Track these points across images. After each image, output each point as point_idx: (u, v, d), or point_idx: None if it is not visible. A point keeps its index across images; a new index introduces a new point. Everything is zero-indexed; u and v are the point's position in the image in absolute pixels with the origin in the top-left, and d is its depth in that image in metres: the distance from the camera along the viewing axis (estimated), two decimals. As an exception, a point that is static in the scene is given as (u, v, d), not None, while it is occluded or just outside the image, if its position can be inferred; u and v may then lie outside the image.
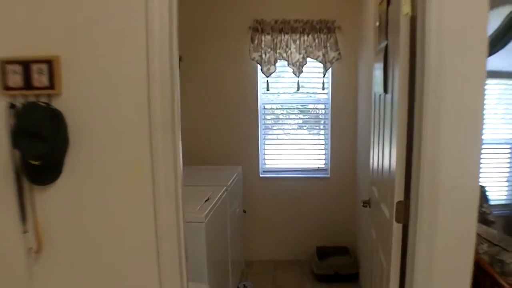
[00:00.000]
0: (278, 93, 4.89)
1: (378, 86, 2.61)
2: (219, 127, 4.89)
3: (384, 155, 2.39)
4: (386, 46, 2.33)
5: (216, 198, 3.40)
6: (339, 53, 4.60)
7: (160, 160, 1.89)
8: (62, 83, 1.91)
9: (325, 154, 4.90)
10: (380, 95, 2.56)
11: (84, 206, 1.98)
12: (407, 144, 1.97)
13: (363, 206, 2.93)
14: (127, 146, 1.92)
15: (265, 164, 4.97)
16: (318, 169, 4.93)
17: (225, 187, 3.71)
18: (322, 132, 4.88)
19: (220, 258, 3.55)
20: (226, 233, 3.74)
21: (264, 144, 4.94)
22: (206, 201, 3.28)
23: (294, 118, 4.92)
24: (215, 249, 3.30)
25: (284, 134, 4.93)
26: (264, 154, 4.96)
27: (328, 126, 4.83)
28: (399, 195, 1.99)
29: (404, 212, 1.98)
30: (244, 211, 4.76)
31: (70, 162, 1.96)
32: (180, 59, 4.65)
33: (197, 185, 3.79)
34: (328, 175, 4.87)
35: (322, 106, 4.85)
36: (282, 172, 4.94)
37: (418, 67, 1.84)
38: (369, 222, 3.06)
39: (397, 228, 2.01)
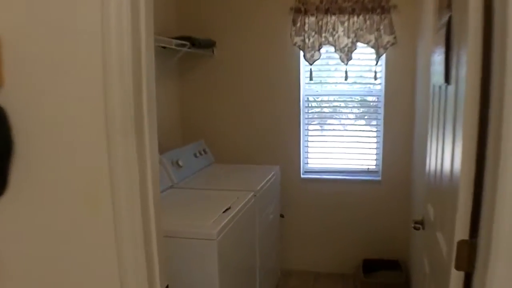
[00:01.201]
0: (323, 83, 4.30)
1: (437, 75, 2.00)
2: (255, 121, 4.36)
3: (444, 166, 1.78)
4: (449, 20, 1.72)
5: (240, 206, 2.88)
6: (395, 37, 3.95)
7: (120, 176, 1.37)
8: (4, 72, 1.42)
9: (376, 153, 4.27)
10: (440, 86, 1.95)
11: (29, 233, 1.50)
12: (477, 154, 1.37)
13: (415, 228, 2.32)
14: (80, 156, 1.41)
15: (307, 163, 4.40)
16: (368, 171, 4.31)
17: (253, 193, 3.18)
18: (374, 128, 4.25)
19: (243, 269, 3.04)
20: (253, 242, 3.23)
21: (307, 141, 4.36)
22: (225, 210, 2.77)
23: (341, 112, 4.30)
24: (234, 264, 2.79)
25: (330, 130, 4.33)
26: (307, 152, 4.39)
27: (381, 122, 4.19)
28: (462, 231, 1.39)
29: (468, 257, 1.37)
30: (282, 216, 4.21)
31: (17, 173, 1.48)
32: (213, 44, 4.20)
33: (221, 189, 3.29)
34: (379, 178, 4.24)
35: (374, 99, 4.22)
36: (327, 173, 4.35)
37: (496, 47, 1.23)
38: (421, 248, 2.44)
39: (457, 277, 1.41)
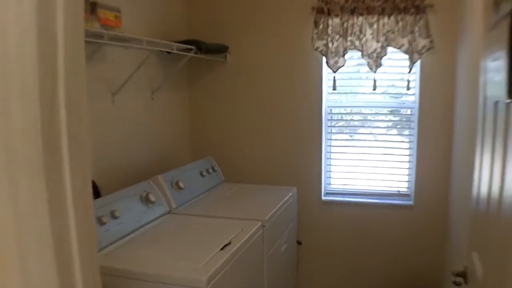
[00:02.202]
0: (348, 93, 3.79)
1: (493, 87, 1.49)
2: (271, 135, 3.88)
3: (503, 204, 1.29)
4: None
5: (243, 241, 2.42)
6: (431, 41, 3.42)
7: (29, 234, 0.91)
8: None
9: (408, 174, 3.73)
10: (497, 101, 1.44)
11: None
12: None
13: (455, 283, 1.80)
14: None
15: (330, 184, 3.89)
16: (399, 194, 3.76)
17: (260, 223, 2.70)
18: (406, 145, 3.71)
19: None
20: (260, 280, 2.74)
21: (329, 158, 3.86)
22: (224, 247, 2.30)
23: (368, 127, 3.78)
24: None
25: (355, 146, 3.82)
26: (329, 171, 3.88)
27: (414, 138, 3.65)
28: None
29: None
30: (299, 243, 3.72)
31: None
32: (226, 49, 3.74)
33: (225, 216, 2.82)
34: (411, 202, 3.69)
35: (407, 111, 3.69)
36: (351, 196, 3.83)
37: None
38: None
39: None
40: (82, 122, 1.03)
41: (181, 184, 3.05)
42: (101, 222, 2.32)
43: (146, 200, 2.71)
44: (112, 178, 3.01)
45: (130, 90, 3.17)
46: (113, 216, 2.42)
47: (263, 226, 2.70)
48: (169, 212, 2.89)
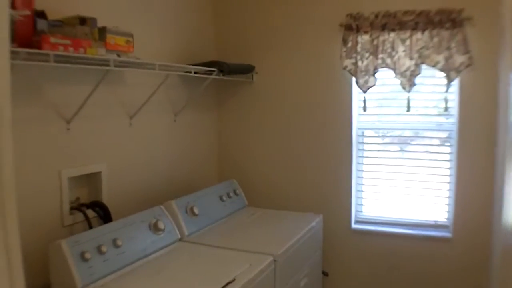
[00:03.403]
0: (380, 114, 3.57)
1: None
2: (298, 157, 3.72)
3: None
4: None
5: (250, 278, 2.27)
6: (470, 57, 3.16)
7: None
8: None
9: (447, 204, 3.44)
10: None
11: None
12: None
13: None
14: None
15: (361, 211, 3.66)
16: (436, 225, 3.47)
17: (272, 258, 2.53)
18: (444, 171, 3.44)
19: None
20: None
21: (361, 184, 3.64)
22: (227, 285, 2.16)
23: (402, 151, 3.54)
24: None
25: (388, 172, 3.57)
26: (360, 198, 3.66)
27: (453, 164, 3.36)
28: None
29: None
30: (325, 274, 3.51)
31: None
32: (252, 69, 3.63)
33: (236, 248, 2.68)
34: (450, 234, 3.39)
35: (445, 134, 3.42)
36: (383, 225, 3.57)
37: None
38: None
39: None
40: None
41: (195, 210, 2.94)
42: (100, 252, 2.24)
43: (154, 227, 2.61)
44: (129, 202, 2.96)
45: (150, 112, 3.12)
46: (114, 244, 2.33)
47: (275, 261, 2.53)
48: (180, 240, 2.78)
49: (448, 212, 3.44)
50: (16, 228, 0.92)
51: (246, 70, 3.66)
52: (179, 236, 2.78)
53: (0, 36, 0.82)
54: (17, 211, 0.92)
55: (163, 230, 2.64)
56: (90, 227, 2.49)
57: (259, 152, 3.85)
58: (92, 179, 2.68)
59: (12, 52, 1.87)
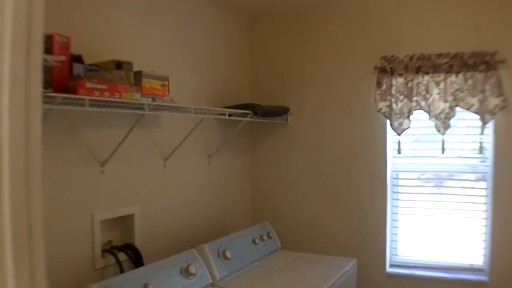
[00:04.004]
0: (415, 156, 3.52)
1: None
2: (332, 200, 3.69)
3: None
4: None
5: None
6: (505, 100, 3.11)
7: None
8: None
9: (483, 247, 3.33)
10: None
11: None
12: None
13: None
14: None
15: (396, 254, 3.58)
16: (472, 268, 3.37)
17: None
18: (480, 214, 3.34)
19: None
20: None
21: (396, 227, 3.56)
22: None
23: (437, 193, 3.47)
24: None
25: (423, 214, 3.49)
26: (395, 241, 3.58)
27: (489, 207, 3.27)
28: None
29: None
30: (361, 320, 3.42)
31: None
32: (286, 111, 3.65)
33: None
34: (486, 278, 3.27)
35: (480, 177, 3.34)
36: (419, 269, 3.47)
37: None
38: None
39: None
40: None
41: (228, 254, 2.92)
42: (131, 297, 2.24)
43: (186, 272, 2.59)
44: (162, 245, 2.97)
45: (184, 154, 3.16)
46: (145, 290, 2.33)
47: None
48: (211, 285, 2.75)
49: (484, 255, 3.33)
50: (44, 277, 0.93)
51: (281, 112, 3.68)
52: (211, 281, 2.75)
53: (33, 98, 0.84)
54: (45, 259, 0.93)
55: (194, 275, 2.62)
56: (122, 270, 2.49)
57: (292, 194, 3.83)
58: (125, 221, 2.71)
59: (49, 97, 1.92)
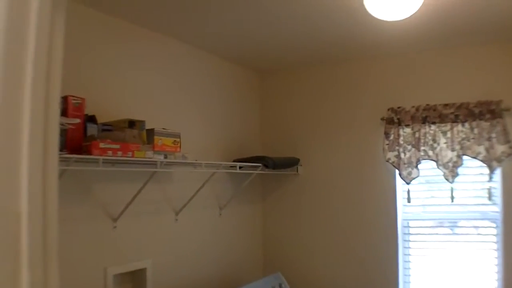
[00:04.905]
0: (425, 205, 3.54)
1: None
2: (344, 249, 3.69)
3: None
4: None
5: None
6: (511, 146, 3.15)
7: None
8: None
9: (497, 294, 3.30)
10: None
11: None
12: None
13: None
14: None
15: (411, 303, 3.56)
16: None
17: None
18: (491, 259, 3.31)
19: None
20: None
21: (408, 275, 3.54)
22: None
23: (447, 241, 3.47)
24: None
25: (434, 260, 3.48)
26: (409, 289, 3.57)
27: (500, 253, 3.25)
28: None
29: None
30: None
31: None
32: (296, 162, 3.72)
33: None
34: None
35: (490, 224, 3.34)
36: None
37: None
38: None
39: None
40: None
41: (240, 308, 2.94)
42: None
43: (198, 326, 2.62)
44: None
45: (196, 207, 3.21)
46: None
47: None
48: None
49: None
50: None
51: (291, 163, 3.75)
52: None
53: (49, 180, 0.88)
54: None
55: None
56: (135, 325, 2.52)
57: (304, 244, 3.85)
58: (137, 275, 2.75)
59: (64, 158, 2.01)
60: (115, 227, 2.58)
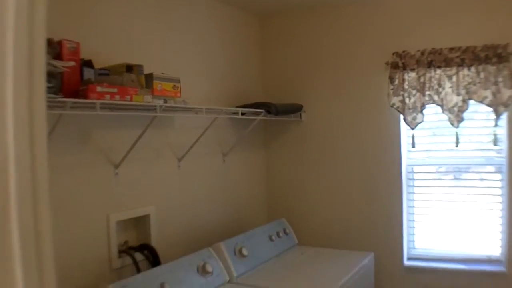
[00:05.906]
0: (429, 150, 3.51)
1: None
2: (348, 195, 3.70)
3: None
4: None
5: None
6: (518, 91, 3.09)
7: None
8: None
9: (501, 238, 3.31)
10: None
11: None
12: None
13: None
14: None
15: (414, 247, 3.58)
16: (489, 260, 3.35)
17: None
18: (496, 204, 3.32)
19: None
20: None
21: (412, 220, 3.56)
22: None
23: (452, 186, 3.46)
24: None
25: (439, 206, 3.49)
26: (412, 234, 3.58)
27: (505, 198, 3.25)
28: None
29: None
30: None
31: None
32: (299, 109, 3.67)
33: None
34: (504, 269, 3.25)
35: (495, 169, 3.33)
36: (436, 261, 3.47)
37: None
38: None
39: None
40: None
41: (244, 252, 2.95)
42: (149, 297, 2.27)
43: (202, 270, 2.62)
44: (178, 244, 3.00)
45: (199, 154, 3.19)
46: (162, 290, 2.36)
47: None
48: (228, 282, 2.79)
49: (501, 246, 3.32)
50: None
51: (294, 110, 3.69)
52: (228, 278, 2.79)
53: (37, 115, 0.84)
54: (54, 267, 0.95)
55: (211, 273, 2.65)
56: (138, 270, 2.53)
57: (308, 190, 3.85)
58: (141, 222, 2.75)
59: (60, 102, 1.96)
60: (117, 173, 2.56)
